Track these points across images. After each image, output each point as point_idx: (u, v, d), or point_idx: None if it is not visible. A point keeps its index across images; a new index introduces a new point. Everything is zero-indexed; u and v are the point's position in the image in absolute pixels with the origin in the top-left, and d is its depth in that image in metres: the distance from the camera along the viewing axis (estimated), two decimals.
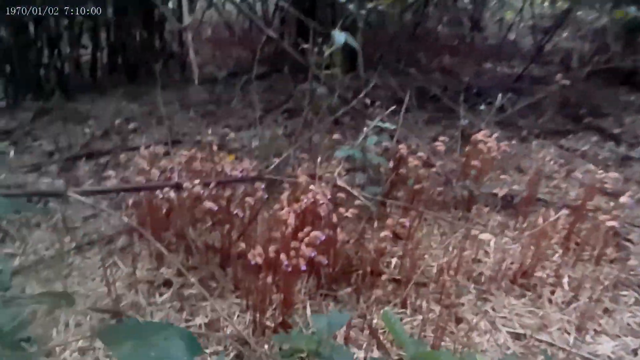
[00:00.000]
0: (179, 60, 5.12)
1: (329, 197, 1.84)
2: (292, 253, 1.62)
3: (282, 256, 1.59)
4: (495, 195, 2.59)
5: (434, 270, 2.16)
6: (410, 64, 4.90)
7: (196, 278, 1.97)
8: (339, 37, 2.29)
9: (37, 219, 2.52)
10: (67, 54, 4.41)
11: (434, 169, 2.39)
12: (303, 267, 1.59)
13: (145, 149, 2.28)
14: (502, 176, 2.77)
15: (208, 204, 1.92)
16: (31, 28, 4.19)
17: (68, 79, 4.47)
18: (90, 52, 4.64)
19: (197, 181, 2.01)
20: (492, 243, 2.33)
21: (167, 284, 2.11)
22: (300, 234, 1.60)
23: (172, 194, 1.97)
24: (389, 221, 1.87)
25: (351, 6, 3.28)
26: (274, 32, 3.88)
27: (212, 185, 2.02)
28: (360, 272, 2.03)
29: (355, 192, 1.89)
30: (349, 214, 1.86)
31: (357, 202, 1.93)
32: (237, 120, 4.06)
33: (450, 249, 2.30)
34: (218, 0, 5.56)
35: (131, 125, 3.90)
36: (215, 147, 2.39)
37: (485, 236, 2.03)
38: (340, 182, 1.92)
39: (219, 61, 5.63)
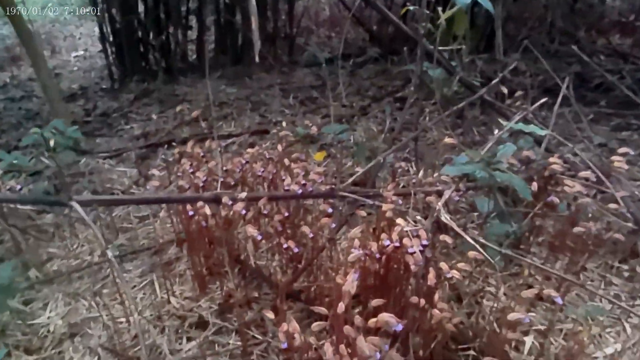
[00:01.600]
0: (288, 42, 4.67)
1: (424, 242, 1.13)
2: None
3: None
4: None
5: None
6: (566, 44, 3.78)
7: (239, 321, 1.43)
8: None
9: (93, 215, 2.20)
10: (174, 34, 4.21)
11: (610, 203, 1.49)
12: None
13: (195, 144, 1.78)
14: None
15: (250, 230, 1.35)
16: (140, 8, 4.05)
17: (173, 61, 4.28)
18: (197, 33, 4.40)
19: (242, 195, 1.45)
20: None
21: (201, 325, 1.60)
22: (363, 312, 0.94)
23: (208, 210, 1.43)
24: (528, 293, 1.10)
25: None
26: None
27: (261, 202, 1.43)
28: (472, 355, 1.30)
29: (468, 238, 1.15)
30: (455, 274, 1.13)
31: (472, 252, 1.19)
32: (339, 109, 3.45)
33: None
34: None
35: (224, 111, 3.53)
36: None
37: None
38: (445, 218, 1.19)
39: (332, 43, 5.06)
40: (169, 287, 1.72)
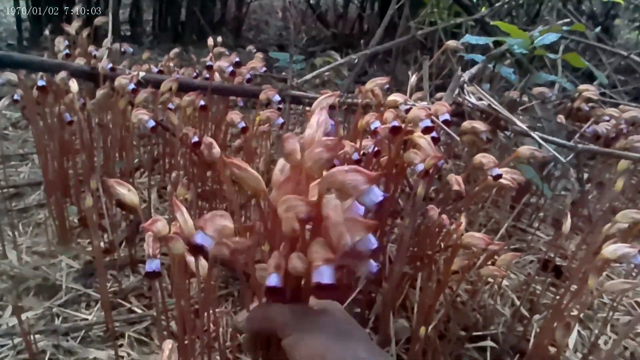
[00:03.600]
0: (234, 26, 4.23)
1: (446, 115, 0.67)
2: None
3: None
4: None
5: None
6: None
7: (101, 285, 0.88)
8: None
9: None
10: None
11: None
12: None
13: None
14: None
15: (140, 115, 0.82)
16: None
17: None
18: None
19: (140, 72, 0.92)
20: None
21: (47, 290, 1.02)
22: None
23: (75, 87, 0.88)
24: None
25: None
26: None
27: (166, 85, 0.91)
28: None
29: (519, 123, 0.72)
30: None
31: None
32: None
33: None
34: None
35: None
36: None
37: None
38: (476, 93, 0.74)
39: (285, 34, 4.69)
40: (13, 238, 1.13)
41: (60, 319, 0.96)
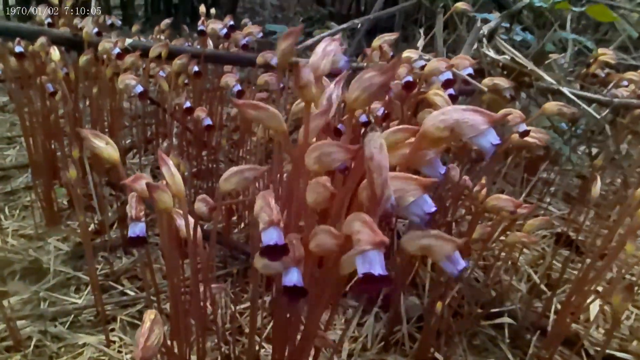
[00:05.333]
0: (228, 9, 4.13)
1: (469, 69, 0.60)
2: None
3: None
4: None
5: None
6: None
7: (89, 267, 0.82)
8: None
9: None
10: None
11: None
12: None
13: None
14: None
15: (126, 80, 0.76)
16: None
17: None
18: None
19: (126, 40, 0.85)
20: None
21: (34, 273, 0.96)
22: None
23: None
24: None
25: None
26: None
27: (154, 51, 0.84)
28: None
29: (549, 79, 0.64)
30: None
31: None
32: None
33: None
34: None
35: None
36: None
37: None
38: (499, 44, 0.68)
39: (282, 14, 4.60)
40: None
41: (48, 303, 0.90)
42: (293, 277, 0.33)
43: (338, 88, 0.39)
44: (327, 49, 0.35)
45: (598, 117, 0.78)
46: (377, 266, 0.29)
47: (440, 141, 0.32)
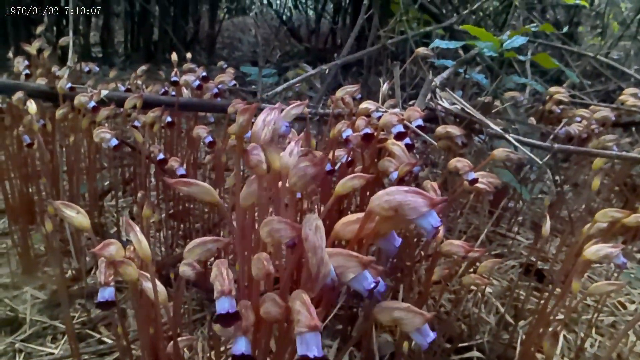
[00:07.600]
0: (207, 44, 4.23)
1: (419, 121, 0.65)
2: None
3: None
4: None
5: None
6: None
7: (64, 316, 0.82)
8: None
9: None
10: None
11: None
12: None
13: None
14: None
15: (101, 134, 0.78)
16: None
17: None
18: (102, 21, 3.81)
19: (102, 91, 0.89)
20: None
21: (9, 324, 0.96)
22: None
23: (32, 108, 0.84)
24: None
25: None
26: None
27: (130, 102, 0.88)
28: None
29: (493, 125, 0.70)
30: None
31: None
32: None
33: None
34: None
35: None
36: None
37: None
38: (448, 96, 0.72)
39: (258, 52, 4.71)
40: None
41: (23, 355, 0.90)
42: (241, 347, 0.36)
43: (297, 146, 0.43)
44: (267, 120, 0.39)
45: (540, 162, 0.85)
46: (313, 348, 0.33)
47: (389, 219, 0.36)
